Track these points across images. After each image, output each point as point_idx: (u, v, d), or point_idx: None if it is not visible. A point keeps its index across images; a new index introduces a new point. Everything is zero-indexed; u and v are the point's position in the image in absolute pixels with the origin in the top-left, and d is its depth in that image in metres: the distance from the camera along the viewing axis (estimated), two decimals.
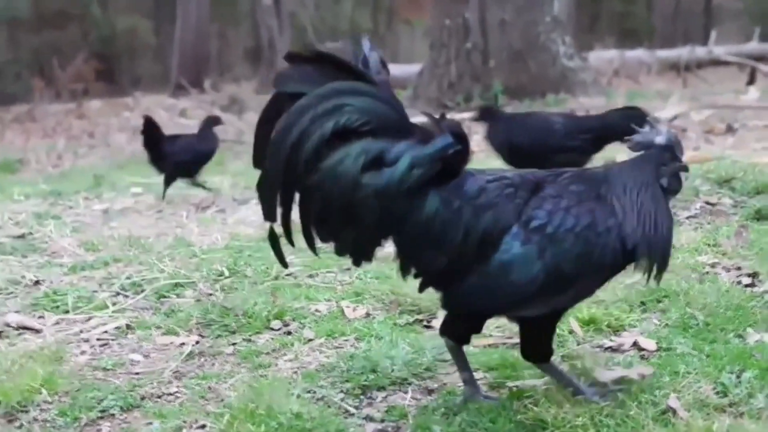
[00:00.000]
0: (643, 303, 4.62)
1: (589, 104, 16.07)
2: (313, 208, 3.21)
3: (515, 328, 4.28)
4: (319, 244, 3.34)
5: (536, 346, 3.50)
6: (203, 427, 3.45)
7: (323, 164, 3.13)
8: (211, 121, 9.23)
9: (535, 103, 14.99)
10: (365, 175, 3.12)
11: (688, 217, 6.37)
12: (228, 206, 8.19)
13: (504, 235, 3.16)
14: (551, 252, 3.15)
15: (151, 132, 8.63)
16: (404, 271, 3.35)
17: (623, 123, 7.17)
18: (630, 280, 4.99)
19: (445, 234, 3.19)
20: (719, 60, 25.00)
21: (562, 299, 3.32)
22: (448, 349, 3.56)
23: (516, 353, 4.03)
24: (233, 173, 10.55)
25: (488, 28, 17.01)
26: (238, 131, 15.44)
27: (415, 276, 3.37)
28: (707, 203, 6.62)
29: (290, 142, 3.14)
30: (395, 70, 24.73)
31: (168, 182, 8.63)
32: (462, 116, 10.90)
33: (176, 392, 3.85)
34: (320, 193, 3.16)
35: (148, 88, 27.18)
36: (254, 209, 7.87)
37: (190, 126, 16.53)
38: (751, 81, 22.22)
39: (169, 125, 16.94)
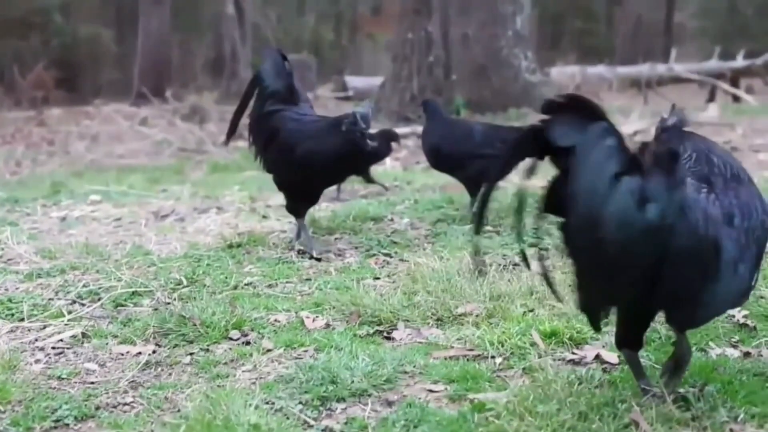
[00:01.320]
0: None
1: None
2: (594, 263, 3.14)
3: (476, 340, 4.29)
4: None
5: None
6: None
7: (605, 214, 3.05)
8: (387, 134, 9.25)
9: (497, 117, 14.98)
10: (637, 214, 3.04)
11: None
12: (188, 215, 8.11)
13: (722, 236, 3.18)
14: (753, 241, 3.25)
15: None
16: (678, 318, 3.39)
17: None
18: None
19: (703, 252, 3.14)
20: (680, 77, 25.21)
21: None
22: (627, 360, 3.59)
23: (477, 365, 4.02)
24: (193, 182, 10.50)
25: (451, 42, 17.05)
26: (199, 140, 15.37)
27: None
28: None
29: (597, 203, 3.05)
30: (357, 82, 24.93)
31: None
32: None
33: (132, 402, 3.79)
34: (605, 245, 3.07)
35: (109, 97, 26.99)
36: (213, 218, 7.81)
37: (151, 135, 16.50)
38: (711, 98, 22.45)
39: (129, 134, 16.89)
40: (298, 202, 6.55)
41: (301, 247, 6.36)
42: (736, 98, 22.93)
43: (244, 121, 6.77)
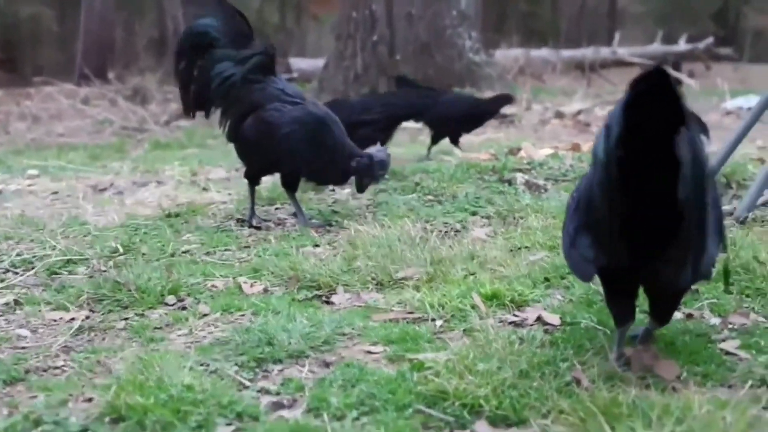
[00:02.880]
0: (546, 279, 4.58)
1: None
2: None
3: (416, 303, 4.24)
4: None
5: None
6: (90, 400, 3.29)
7: None
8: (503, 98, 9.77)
9: None
10: None
11: None
12: (127, 188, 7.99)
13: None
14: None
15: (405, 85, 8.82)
16: None
17: (412, 100, 8.10)
18: (534, 257, 4.97)
19: None
20: (623, 61, 25.41)
21: None
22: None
23: (417, 327, 3.97)
24: (134, 159, 10.41)
25: (395, 21, 17.00)
26: (141, 119, 15.24)
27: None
28: None
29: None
30: (302, 64, 24.79)
31: (433, 140, 9.18)
32: None
33: (63, 366, 3.69)
34: None
35: (51, 77, 26.70)
36: (153, 191, 7.71)
37: (92, 114, 16.31)
38: None
39: (70, 113, 16.69)
40: (261, 173, 6.40)
41: (241, 216, 6.29)
42: (678, 82, 23.10)
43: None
